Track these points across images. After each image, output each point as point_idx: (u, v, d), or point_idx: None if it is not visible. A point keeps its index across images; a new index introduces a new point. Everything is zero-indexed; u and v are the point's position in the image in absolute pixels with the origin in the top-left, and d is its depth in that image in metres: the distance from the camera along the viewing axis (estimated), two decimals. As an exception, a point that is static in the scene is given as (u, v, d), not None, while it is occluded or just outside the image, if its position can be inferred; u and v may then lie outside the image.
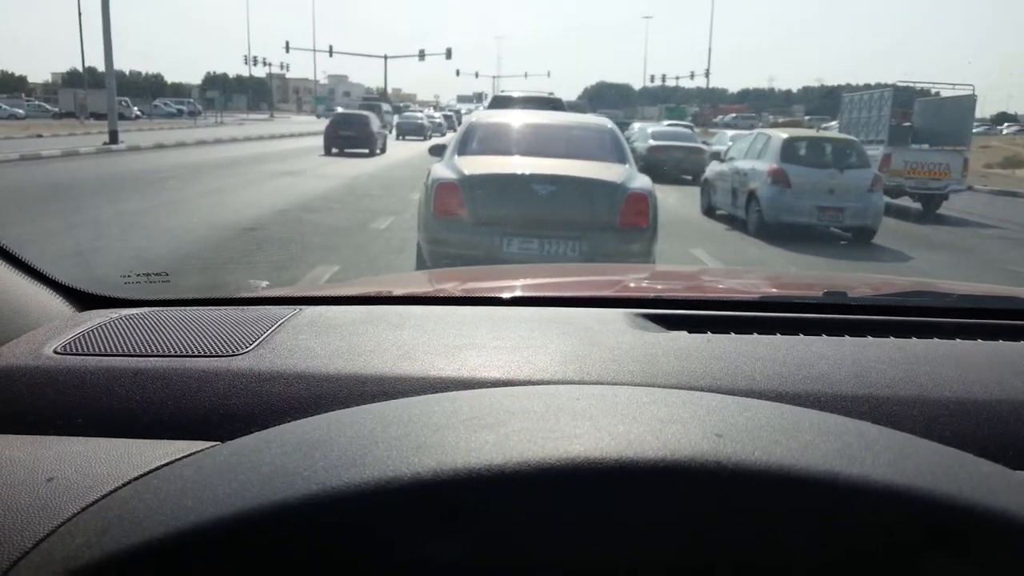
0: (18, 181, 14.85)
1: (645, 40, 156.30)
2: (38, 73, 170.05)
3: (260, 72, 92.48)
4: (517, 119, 7.26)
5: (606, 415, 0.58)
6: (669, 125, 26.26)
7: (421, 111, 57.43)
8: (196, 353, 0.97)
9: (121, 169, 17.47)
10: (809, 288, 1.73)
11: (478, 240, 5.60)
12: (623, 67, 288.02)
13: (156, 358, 0.96)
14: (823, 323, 1.15)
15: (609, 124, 7.05)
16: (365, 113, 28.28)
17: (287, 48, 77.13)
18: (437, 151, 6.94)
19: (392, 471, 0.51)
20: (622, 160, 6.34)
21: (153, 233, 9.02)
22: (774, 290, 1.83)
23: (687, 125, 28.69)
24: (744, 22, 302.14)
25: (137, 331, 1.05)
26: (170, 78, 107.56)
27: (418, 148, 20.63)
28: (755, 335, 1.09)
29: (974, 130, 19.33)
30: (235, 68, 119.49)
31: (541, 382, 0.90)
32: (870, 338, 1.11)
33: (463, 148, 6.38)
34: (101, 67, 25.42)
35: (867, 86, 18.28)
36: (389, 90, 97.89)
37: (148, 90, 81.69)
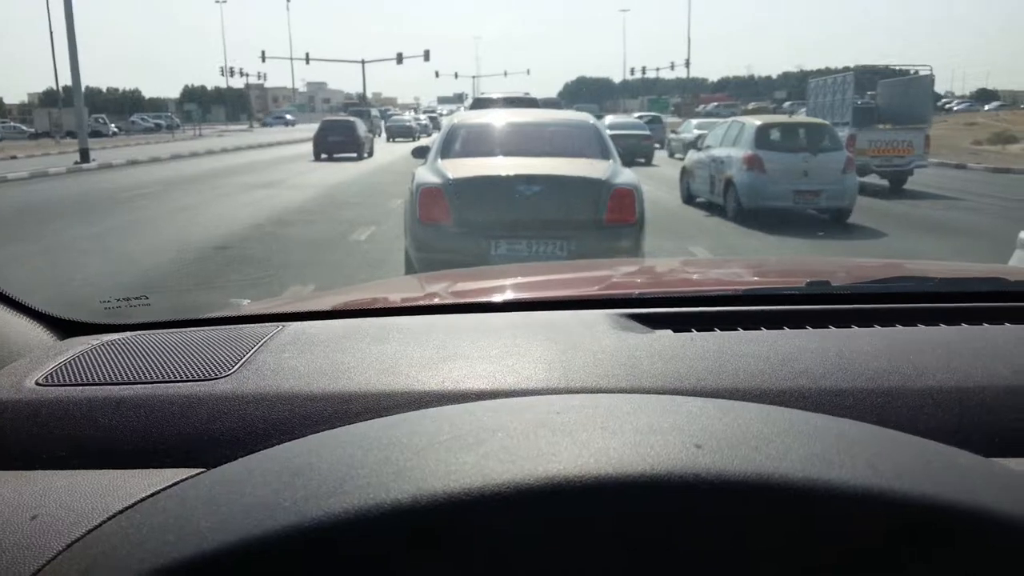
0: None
1: (623, 33, 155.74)
2: (14, 94, 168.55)
3: (238, 83, 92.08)
4: (499, 119, 7.05)
5: (585, 429, 0.59)
6: (638, 117, 31.05)
7: (406, 114, 61.66)
8: (179, 378, 0.95)
9: (90, 188, 17.03)
10: (790, 276, 1.81)
11: (466, 245, 5.44)
12: (602, 61, 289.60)
13: (139, 385, 0.94)
14: (808, 315, 1.15)
15: (591, 120, 7.02)
16: (351, 119, 29.56)
17: (263, 57, 76.60)
18: (420, 153, 6.85)
19: (372, 498, 0.52)
20: (606, 156, 6.21)
21: (119, 256, 8.63)
22: (756, 279, 1.86)
23: (655, 116, 33.58)
24: (720, 11, 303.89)
25: (119, 357, 1.03)
26: (148, 93, 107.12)
27: (403, 150, 20.47)
28: (740, 331, 1.09)
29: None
30: (213, 80, 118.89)
31: (526, 391, 0.89)
32: (855, 328, 1.10)
33: (446, 151, 6.26)
34: (73, 85, 24.96)
35: (846, 69, 18.33)
36: (369, 94, 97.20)
37: (126, 106, 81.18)
